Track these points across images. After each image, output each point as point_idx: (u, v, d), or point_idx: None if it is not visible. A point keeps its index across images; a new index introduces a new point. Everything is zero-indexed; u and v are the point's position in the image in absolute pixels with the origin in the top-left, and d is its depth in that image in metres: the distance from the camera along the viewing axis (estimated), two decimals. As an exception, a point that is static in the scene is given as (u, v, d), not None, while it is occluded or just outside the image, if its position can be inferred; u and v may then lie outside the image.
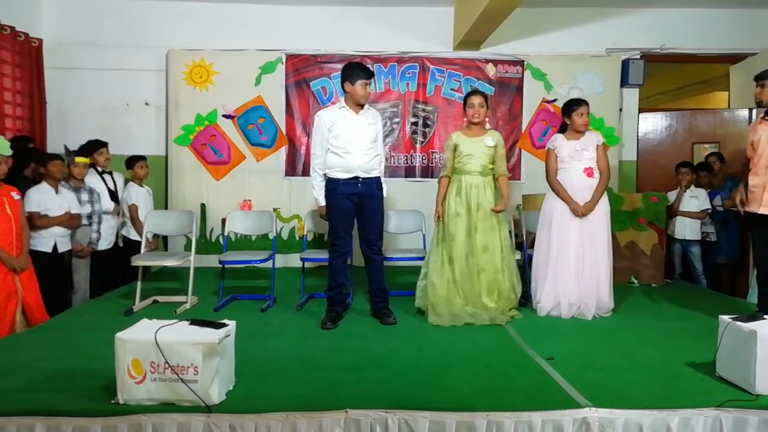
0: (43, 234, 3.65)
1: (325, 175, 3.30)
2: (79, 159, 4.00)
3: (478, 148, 3.41)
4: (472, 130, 3.47)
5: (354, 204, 3.28)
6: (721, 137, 5.25)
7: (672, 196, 4.68)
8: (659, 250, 4.46)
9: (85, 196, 3.98)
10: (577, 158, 3.49)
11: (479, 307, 3.31)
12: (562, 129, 3.64)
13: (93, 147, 4.24)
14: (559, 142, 3.56)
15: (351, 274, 3.94)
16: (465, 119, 3.51)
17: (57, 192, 3.72)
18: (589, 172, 3.47)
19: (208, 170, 5.09)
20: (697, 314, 3.44)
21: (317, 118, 3.32)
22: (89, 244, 4.01)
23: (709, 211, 4.57)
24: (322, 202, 3.33)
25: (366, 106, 3.34)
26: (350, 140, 3.23)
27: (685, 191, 4.62)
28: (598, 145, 3.51)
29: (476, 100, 3.41)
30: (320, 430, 2.05)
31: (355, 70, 3.25)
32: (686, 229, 4.59)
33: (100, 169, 4.30)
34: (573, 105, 3.54)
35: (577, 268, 3.43)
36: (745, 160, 3.32)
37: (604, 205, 3.50)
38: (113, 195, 4.29)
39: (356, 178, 3.25)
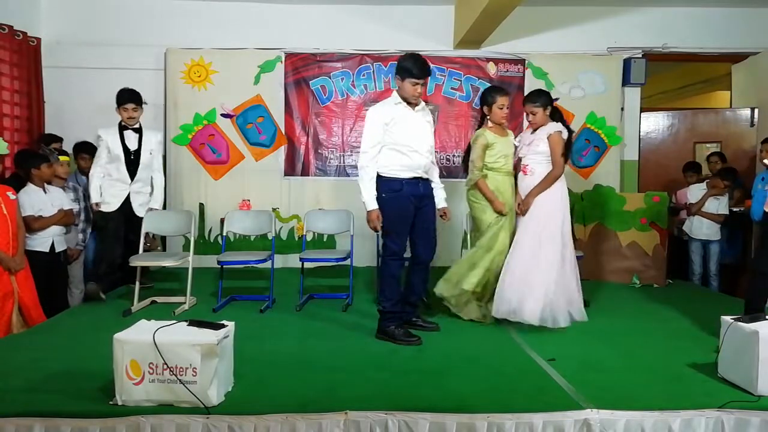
0: (41, 234, 3.64)
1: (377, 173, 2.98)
2: (62, 158, 3.98)
3: (510, 148, 3.31)
4: (497, 130, 3.32)
5: (414, 207, 3.02)
6: (723, 137, 5.25)
7: (685, 194, 4.62)
8: (661, 251, 4.44)
9: (70, 195, 3.96)
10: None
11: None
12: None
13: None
14: (524, 139, 3.38)
15: (351, 275, 3.94)
16: (488, 118, 3.30)
17: (45, 191, 3.70)
18: (523, 170, 3.27)
19: (206, 170, 5.08)
20: (699, 315, 3.42)
21: (374, 113, 2.99)
22: (77, 245, 4.00)
23: (727, 215, 4.50)
24: (374, 206, 2.94)
25: (422, 103, 3.10)
26: (414, 138, 2.99)
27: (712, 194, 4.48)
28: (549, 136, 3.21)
29: (507, 101, 3.27)
30: (320, 431, 2.04)
31: (407, 64, 2.94)
32: (704, 228, 4.51)
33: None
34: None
35: (528, 269, 3.13)
36: None
37: (550, 199, 3.18)
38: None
39: (418, 178, 3.03)
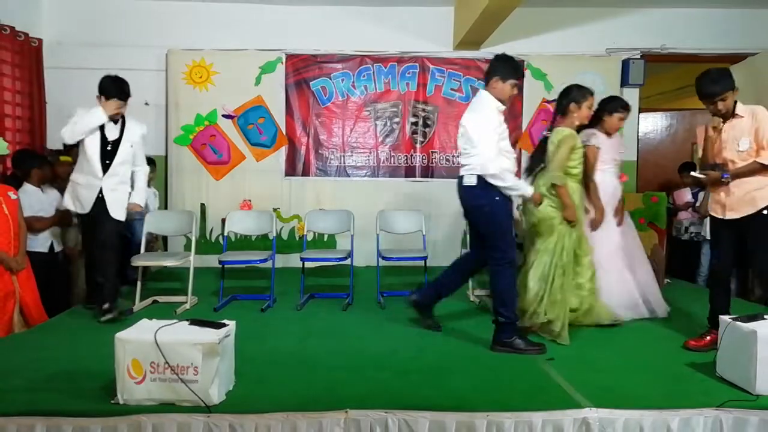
0: (41, 234, 3.65)
1: (478, 176, 2.79)
2: (64, 158, 3.99)
3: (582, 155, 3.15)
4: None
5: None
6: (721, 137, 5.25)
7: (683, 194, 4.61)
8: (659, 251, 4.44)
9: None
10: (612, 161, 3.34)
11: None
12: (593, 123, 3.32)
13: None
14: (601, 139, 3.30)
15: (351, 275, 3.96)
16: (575, 116, 3.11)
17: (43, 192, 3.71)
18: (622, 177, 3.34)
19: (208, 170, 5.10)
20: (697, 314, 3.43)
21: (489, 119, 2.81)
22: (76, 245, 4.01)
23: None
24: (531, 189, 2.89)
25: None
26: (509, 142, 2.93)
27: None
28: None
29: (593, 101, 3.12)
30: (320, 430, 2.06)
31: (509, 67, 2.85)
32: None
33: None
34: (619, 107, 3.33)
35: (619, 272, 3.30)
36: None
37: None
38: None
39: None
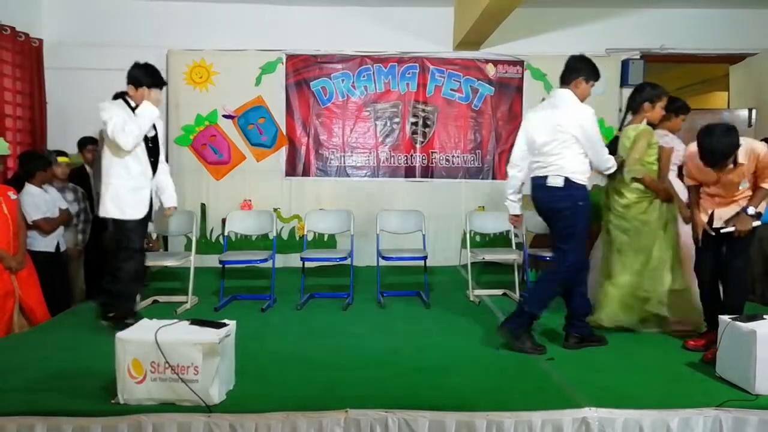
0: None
1: (565, 178, 2.77)
2: (61, 159, 4.00)
3: None
4: None
5: None
6: (721, 137, 5.24)
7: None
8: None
9: (70, 196, 3.98)
10: (678, 161, 3.26)
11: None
12: (656, 123, 3.21)
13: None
14: (674, 140, 3.25)
15: (351, 275, 3.96)
16: (646, 117, 3.08)
17: (46, 192, 3.72)
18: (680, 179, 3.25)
19: (208, 170, 5.10)
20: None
21: (594, 118, 2.80)
22: (76, 245, 4.02)
23: None
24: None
25: None
26: None
27: None
28: None
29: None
30: (320, 429, 2.06)
31: (592, 68, 2.83)
32: None
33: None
34: (685, 108, 3.32)
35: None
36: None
37: None
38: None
39: None
